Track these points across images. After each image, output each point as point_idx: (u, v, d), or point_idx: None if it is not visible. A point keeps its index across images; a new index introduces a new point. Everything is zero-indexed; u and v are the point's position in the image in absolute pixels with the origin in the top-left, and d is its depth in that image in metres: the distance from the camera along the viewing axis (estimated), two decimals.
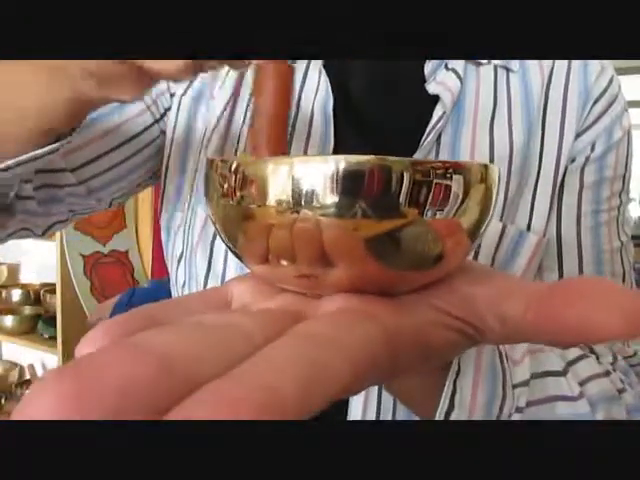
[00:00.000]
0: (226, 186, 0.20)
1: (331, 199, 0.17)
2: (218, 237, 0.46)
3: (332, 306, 0.19)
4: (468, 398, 0.30)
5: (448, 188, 0.18)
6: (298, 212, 0.18)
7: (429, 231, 0.18)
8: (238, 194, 0.19)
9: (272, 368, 0.14)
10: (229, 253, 0.46)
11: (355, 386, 0.15)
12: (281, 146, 0.29)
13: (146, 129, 0.51)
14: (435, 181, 0.18)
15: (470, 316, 0.19)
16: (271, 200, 0.18)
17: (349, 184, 0.17)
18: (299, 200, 0.18)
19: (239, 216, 0.19)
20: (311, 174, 0.18)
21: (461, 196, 0.18)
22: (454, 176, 0.18)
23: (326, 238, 0.18)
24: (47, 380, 0.12)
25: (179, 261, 0.51)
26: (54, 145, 0.38)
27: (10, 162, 0.37)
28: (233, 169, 0.19)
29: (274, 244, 0.19)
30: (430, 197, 0.18)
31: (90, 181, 0.49)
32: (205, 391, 0.13)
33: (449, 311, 0.20)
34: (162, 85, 0.50)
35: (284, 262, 0.19)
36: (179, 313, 0.19)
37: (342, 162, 0.17)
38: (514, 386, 0.33)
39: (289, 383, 0.13)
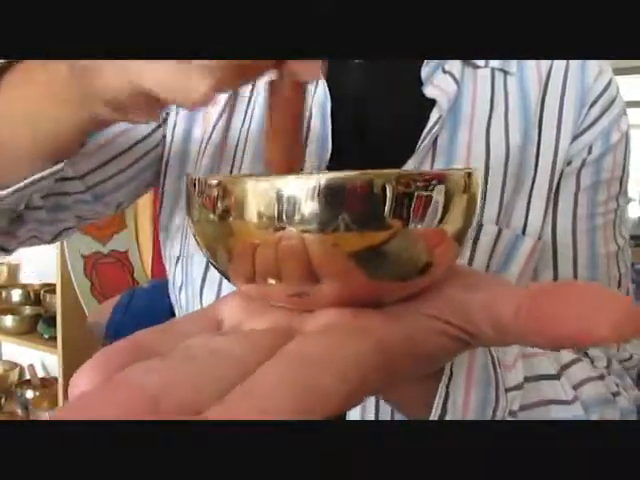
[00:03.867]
0: (208, 203, 0.19)
1: (315, 215, 0.17)
2: None
3: (322, 321, 0.19)
4: (460, 402, 0.30)
5: (431, 198, 0.18)
6: (282, 229, 0.18)
7: (415, 242, 0.18)
8: (220, 211, 0.19)
9: (264, 394, 0.13)
10: None
11: (351, 401, 0.15)
12: (297, 161, 0.30)
13: (149, 135, 0.51)
14: (417, 192, 0.18)
15: (463, 321, 0.19)
16: (254, 217, 0.18)
17: (333, 199, 0.17)
18: (283, 217, 0.18)
19: (222, 234, 0.19)
20: (294, 191, 0.17)
21: (445, 205, 0.18)
22: (437, 186, 0.18)
23: (313, 255, 0.18)
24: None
25: (176, 263, 0.51)
26: (59, 165, 0.38)
27: (20, 185, 0.38)
28: (214, 186, 0.19)
29: (260, 263, 0.19)
30: (414, 208, 0.18)
31: (96, 187, 0.49)
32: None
33: (441, 317, 0.20)
34: None
35: (271, 281, 0.19)
36: (171, 340, 0.19)
37: (324, 179, 0.17)
38: (507, 390, 0.33)
39: (283, 408, 0.13)
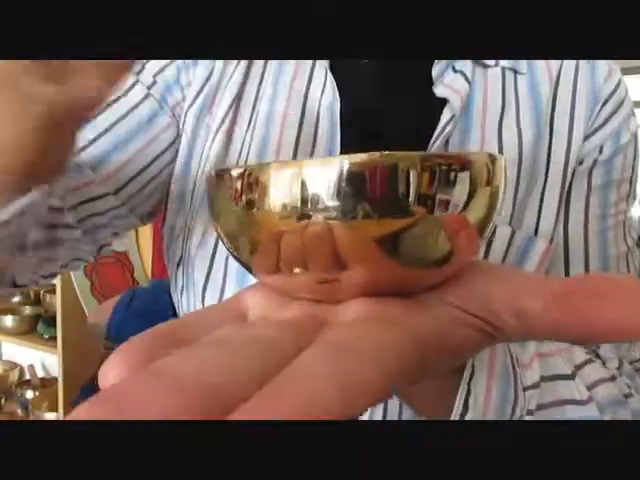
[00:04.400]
0: (231, 193, 0.19)
1: (339, 200, 0.17)
2: (220, 244, 0.46)
3: (353, 311, 0.19)
4: (482, 400, 0.30)
5: (456, 181, 0.18)
6: (308, 216, 0.17)
7: (439, 226, 0.18)
8: (243, 200, 0.19)
9: (312, 376, 0.13)
10: (229, 260, 0.46)
11: (387, 393, 0.15)
12: None
13: (172, 143, 0.50)
14: (443, 175, 0.17)
15: (487, 313, 0.19)
16: (278, 206, 0.18)
17: (356, 185, 0.17)
18: (307, 204, 0.17)
19: (245, 224, 0.19)
20: (320, 177, 0.17)
21: (469, 188, 0.18)
22: (461, 172, 0.18)
23: (339, 240, 0.17)
24: (82, 411, 0.12)
25: (178, 265, 0.51)
26: (41, 189, 0.30)
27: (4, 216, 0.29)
28: (237, 176, 0.19)
29: (286, 251, 0.18)
30: (438, 191, 0.17)
31: (130, 200, 0.49)
32: (251, 404, 0.13)
33: (466, 309, 0.19)
34: (177, 95, 0.49)
35: (297, 270, 0.19)
36: (199, 329, 0.19)
37: (346, 163, 0.17)
38: (525, 388, 0.33)
39: (332, 390, 0.13)
